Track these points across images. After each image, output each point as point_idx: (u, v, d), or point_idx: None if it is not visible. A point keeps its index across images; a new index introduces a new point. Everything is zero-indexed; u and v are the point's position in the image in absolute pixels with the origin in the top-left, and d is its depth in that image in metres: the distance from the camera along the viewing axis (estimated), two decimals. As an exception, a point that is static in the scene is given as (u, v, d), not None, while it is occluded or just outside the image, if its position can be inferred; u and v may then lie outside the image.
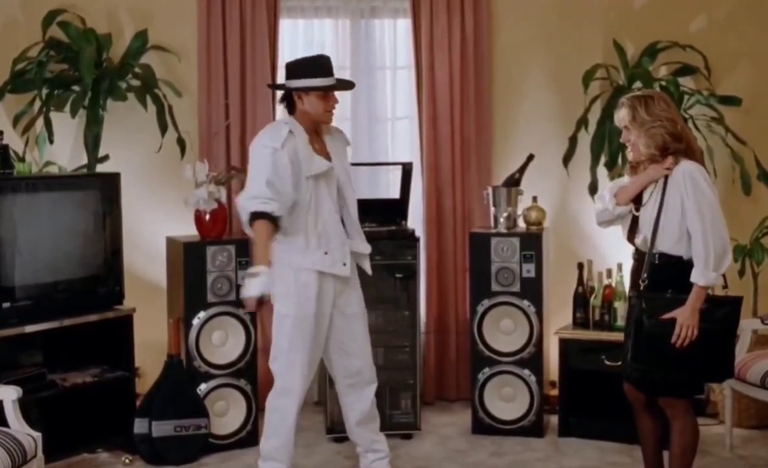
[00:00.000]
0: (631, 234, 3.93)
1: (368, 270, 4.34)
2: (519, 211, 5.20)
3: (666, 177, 3.78)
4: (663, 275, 3.78)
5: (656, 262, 3.79)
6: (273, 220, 4.02)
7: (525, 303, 5.07)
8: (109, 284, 4.80)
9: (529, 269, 5.05)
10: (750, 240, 5.28)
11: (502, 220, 5.15)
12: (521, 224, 5.23)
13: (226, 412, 4.95)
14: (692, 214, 3.70)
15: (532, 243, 5.09)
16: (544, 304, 5.12)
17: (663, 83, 5.40)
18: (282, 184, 4.02)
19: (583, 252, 5.46)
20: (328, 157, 4.20)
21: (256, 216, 4.01)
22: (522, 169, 5.20)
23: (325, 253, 4.13)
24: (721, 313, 3.78)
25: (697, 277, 3.70)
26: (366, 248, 4.28)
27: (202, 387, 4.86)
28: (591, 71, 5.40)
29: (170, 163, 5.26)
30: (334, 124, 4.30)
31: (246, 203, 4.04)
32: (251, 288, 3.93)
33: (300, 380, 4.18)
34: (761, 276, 5.30)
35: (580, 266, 5.20)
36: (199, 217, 4.93)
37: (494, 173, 5.62)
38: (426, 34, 5.54)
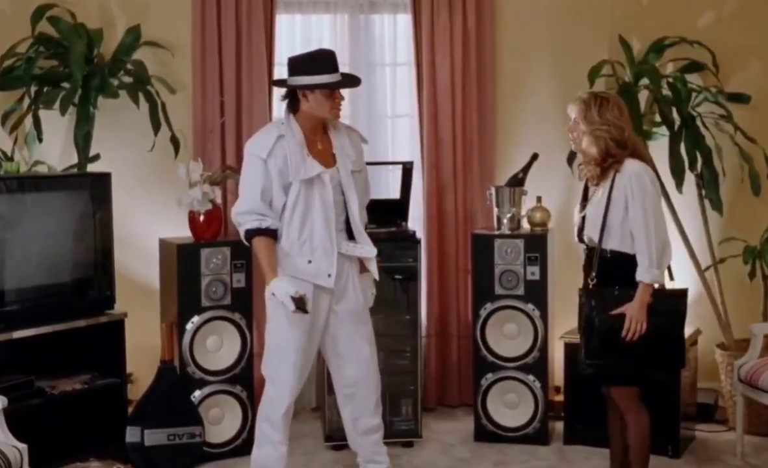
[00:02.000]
0: (581, 232, 4.02)
1: (375, 274, 4.17)
2: (523, 212, 5.11)
3: (614, 176, 3.88)
4: (611, 272, 3.91)
5: (604, 259, 3.91)
6: (271, 234, 3.99)
7: (529, 307, 4.97)
8: (99, 288, 4.69)
9: (533, 272, 4.96)
10: (760, 241, 5.17)
11: (505, 221, 5.06)
12: (525, 225, 5.13)
13: (221, 420, 4.85)
14: (636, 214, 3.84)
15: (536, 245, 4.99)
16: (549, 308, 5.01)
17: (670, 80, 5.31)
18: (273, 194, 3.97)
19: (588, 254, 5.33)
20: (331, 158, 4.05)
21: (252, 233, 3.99)
22: (526, 169, 5.11)
23: (309, 262, 4.01)
24: (667, 306, 3.90)
25: (642, 274, 3.84)
26: (369, 252, 4.11)
27: (196, 394, 4.77)
28: (597, 68, 5.30)
29: (163, 162, 5.14)
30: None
31: (241, 218, 4.02)
32: (282, 306, 3.90)
33: (290, 386, 4.07)
34: (771, 278, 5.20)
35: (586, 269, 5.07)
36: (193, 218, 4.83)
37: (497, 173, 5.52)
38: (427, 30, 5.45)
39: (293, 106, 4.04)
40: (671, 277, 4.01)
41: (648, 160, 4.04)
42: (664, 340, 3.92)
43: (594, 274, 3.93)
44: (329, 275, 4.00)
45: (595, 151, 3.92)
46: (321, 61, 3.99)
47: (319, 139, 4.07)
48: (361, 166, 4.17)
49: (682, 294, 4.00)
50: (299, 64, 4.01)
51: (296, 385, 4.10)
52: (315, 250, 4.00)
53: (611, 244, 3.91)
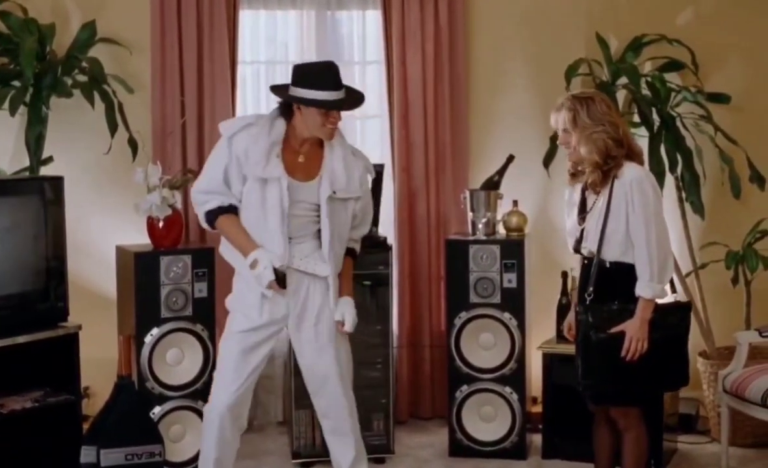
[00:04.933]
0: (578, 244, 3.84)
1: (331, 300, 3.89)
2: (498, 217, 4.97)
3: (612, 183, 3.68)
4: (610, 285, 3.72)
5: (602, 271, 3.71)
6: (235, 212, 3.85)
7: (506, 315, 4.82)
8: (52, 299, 4.48)
9: (510, 279, 4.81)
10: (742, 245, 5.04)
11: (480, 226, 4.91)
12: (501, 230, 4.99)
13: (183, 437, 4.68)
14: (638, 224, 3.65)
15: (513, 250, 4.84)
16: (526, 317, 4.86)
17: (649, 79, 5.19)
18: (231, 178, 3.82)
19: (566, 260, 5.10)
20: (312, 175, 3.84)
21: (216, 212, 3.84)
22: (501, 171, 4.96)
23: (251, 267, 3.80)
24: (672, 321, 3.75)
25: (643, 289, 3.65)
26: (321, 270, 3.84)
27: (156, 410, 4.59)
28: (573, 66, 5.14)
29: (120, 165, 4.96)
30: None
31: (201, 198, 3.88)
32: (263, 278, 3.73)
33: (226, 394, 3.87)
34: (754, 283, 5.05)
35: (564, 275, 4.93)
36: (151, 225, 4.66)
37: (471, 176, 5.38)
38: (397, 27, 5.31)
39: (286, 115, 3.85)
40: (673, 290, 3.83)
41: (641, 154, 3.84)
42: (667, 357, 3.74)
43: (591, 288, 3.71)
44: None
45: (596, 154, 3.68)
46: (320, 75, 3.79)
47: (306, 152, 3.87)
48: (351, 194, 3.92)
49: (686, 308, 3.85)
50: (299, 75, 3.81)
51: (231, 396, 3.86)
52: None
53: (610, 254, 3.70)
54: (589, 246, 3.77)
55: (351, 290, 3.99)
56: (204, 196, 3.86)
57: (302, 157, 3.86)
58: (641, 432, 3.80)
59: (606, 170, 3.70)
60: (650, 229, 3.64)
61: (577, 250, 3.86)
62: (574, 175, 3.85)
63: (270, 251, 3.76)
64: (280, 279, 3.77)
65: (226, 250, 3.95)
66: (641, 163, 3.81)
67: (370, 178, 4.06)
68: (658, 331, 3.68)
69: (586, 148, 3.70)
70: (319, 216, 3.85)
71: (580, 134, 3.71)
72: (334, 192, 3.84)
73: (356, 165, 3.95)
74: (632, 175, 3.67)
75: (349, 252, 4.01)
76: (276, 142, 3.80)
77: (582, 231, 3.80)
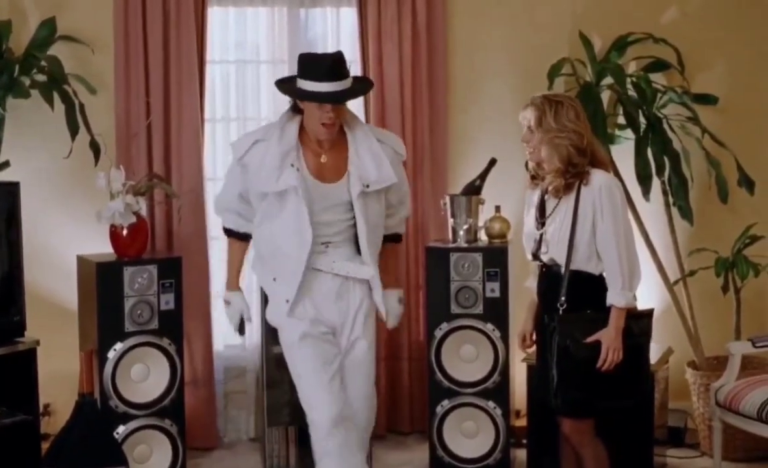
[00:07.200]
0: (537, 249, 3.78)
1: (380, 306, 3.77)
2: (480, 223, 4.82)
3: (579, 190, 3.64)
4: (580, 294, 3.68)
5: (573, 280, 3.66)
6: (245, 238, 3.91)
7: (489, 326, 4.68)
8: (7, 313, 4.32)
9: (493, 288, 4.68)
10: (732, 252, 4.91)
11: (461, 232, 4.76)
12: (483, 237, 4.85)
13: (149, 458, 4.55)
14: (607, 233, 3.62)
15: (496, 258, 4.70)
16: (510, 328, 4.71)
17: (634, 79, 5.08)
18: (251, 197, 3.77)
19: (551, 267, 5.02)
20: (342, 171, 3.67)
21: (227, 233, 3.95)
22: (483, 176, 4.81)
23: (274, 280, 3.73)
24: (641, 327, 3.72)
25: (616, 298, 3.62)
26: (366, 272, 3.69)
27: (120, 430, 4.47)
28: (557, 66, 5.03)
29: (81, 170, 4.82)
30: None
31: (219, 212, 3.98)
32: (230, 319, 3.98)
33: (322, 405, 3.65)
34: (744, 291, 4.92)
35: (549, 284, 4.76)
36: (114, 233, 4.55)
37: (451, 180, 5.25)
38: (373, 25, 5.18)
39: (298, 113, 3.71)
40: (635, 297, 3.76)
41: (608, 164, 3.81)
42: (635, 365, 3.68)
43: (564, 298, 3.64)
44: (287, 301, 3.66)
45: (557, 160, 3.65)
46: (315, 64, 3.63)
47: (328, 151, 3.69)
48: (385, 183, 3.72)
49: (650, 314, 3.78)
50: (299, 65, 3.67)
51: (329, 402, 3.64)
52: (281, 267, 3.69)
53: (577, 263, 3.65)
54: (553, 254, 3.70)
55: (395, 281, 3.95)
56: (221, 212, 3.95)
57: (324, 157, 3.69)
58: (598, 445, 3.72)
59: (567, 178, 3.64)
60: (620, 237, 3.60)
61: (535, 256, 3.78)
62: (535, 178, 3.80)
63: (242, 301, 3.91)
64: (241, 326, 3.96)
65: (255, 266, 3.89)
66: (608, 172, 3.76)
67: (402, 158, 3.88)
68: (631, 337, 3.64)
69: (547, 152, 3.67)
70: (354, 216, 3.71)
71: (543, 136, 3.67)
72: (367, 186, 3.66)
73: (385, 150, 3.77)
74: (601, 181, 3.63)
75: (392, 238, 3.90)
76: (289, 150, 3.64)
77: (541, 236, 3.74)
